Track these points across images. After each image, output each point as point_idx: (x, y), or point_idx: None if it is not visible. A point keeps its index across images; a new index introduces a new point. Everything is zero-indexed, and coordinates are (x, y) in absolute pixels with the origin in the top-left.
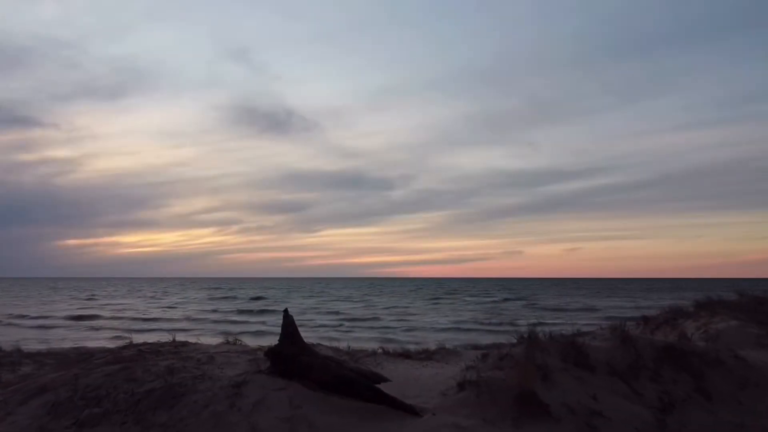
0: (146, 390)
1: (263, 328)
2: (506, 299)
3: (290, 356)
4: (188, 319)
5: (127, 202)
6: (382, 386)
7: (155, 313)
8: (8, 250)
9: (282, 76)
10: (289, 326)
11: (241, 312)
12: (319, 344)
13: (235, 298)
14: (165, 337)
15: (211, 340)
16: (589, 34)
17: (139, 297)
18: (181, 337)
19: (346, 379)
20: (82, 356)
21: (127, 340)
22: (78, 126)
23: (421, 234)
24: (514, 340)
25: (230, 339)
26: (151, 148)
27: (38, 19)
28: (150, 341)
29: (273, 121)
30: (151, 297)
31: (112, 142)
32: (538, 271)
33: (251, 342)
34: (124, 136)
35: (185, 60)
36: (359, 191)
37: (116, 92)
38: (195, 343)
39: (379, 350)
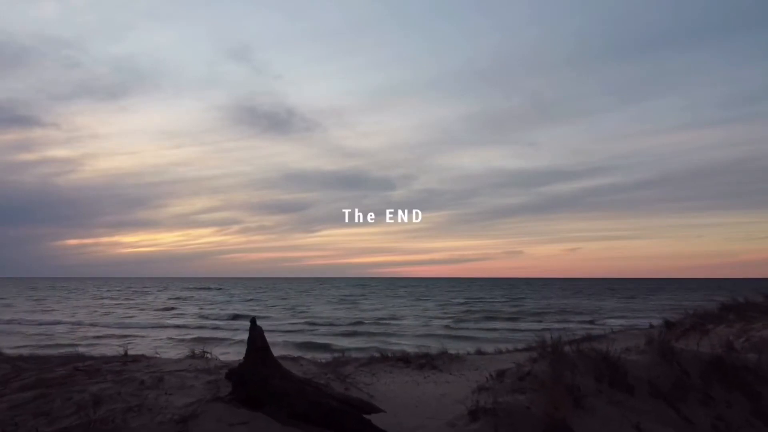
0: (55, 430)
1: (243, 336)
2: (506, 300)
3: (257, 379)
4: (161, 324)
5: (127, 201)
6: (375, 417)
7: (126, 317)
8: (8, 249)
9: (283, 76)
10: (256, 340)
11: (222, 317)
12: (300, 357)
13: (222, 300)
14: (132, 345)
15: (175, 351)
16: (590, 34)
17: (118, 298)
18: (142, 347)
19: (327, 409)
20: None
21: (78, 351)
22: (78, 126)
23: (421, 234)
24: (532, 350)
25: (197, 351)
26: (152, 147)
27: (38, 18)
28: (103, 353)
29: (274, 120)
30: (132, 297)
31: (112, 141)
32: (538, 271)
33: (224, 354)
34: (124, 135)
35: (186, 60)
36: (360, 191)
37: (116, 92)
38: (151, 357)
39: (376, 355)
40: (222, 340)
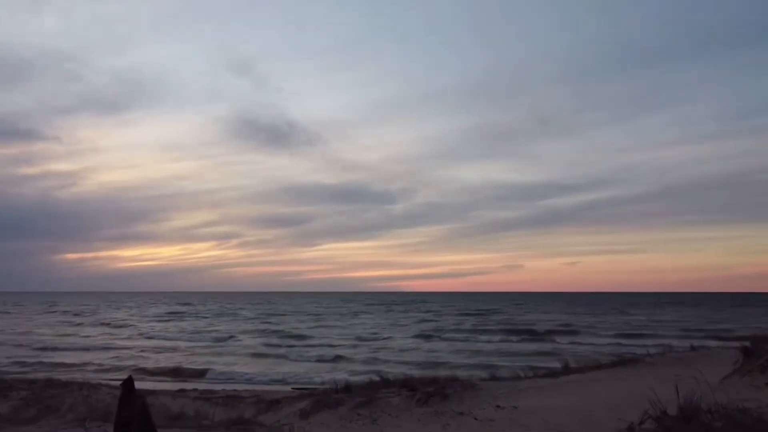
0: None
1: (209, 357)
2: (506, 316)
3: None
4: (106, 346)
5: (128, 215)
6: None
7: (72, 337)
8: (7, 263)
9: (284, 89)
10: (133, 423)
11: (186, 338)
12: (254, 421)
13: (198, 316)
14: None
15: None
16: (585, 49)
17: (77, 314)
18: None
19: None
20: None
21: None
22: (79, 139)
23: (421, 248)
24: (557, 376)
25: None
26: (152, 161)
27: (40, 31)
28: None
29: (274, 134)
30: (100, 313)
31: (113, 155)
32: (538, 285)
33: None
34: (125, 149)
35: (187, 73)
36: (360, 205)
37: (118, 105)
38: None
39: (376, 379)
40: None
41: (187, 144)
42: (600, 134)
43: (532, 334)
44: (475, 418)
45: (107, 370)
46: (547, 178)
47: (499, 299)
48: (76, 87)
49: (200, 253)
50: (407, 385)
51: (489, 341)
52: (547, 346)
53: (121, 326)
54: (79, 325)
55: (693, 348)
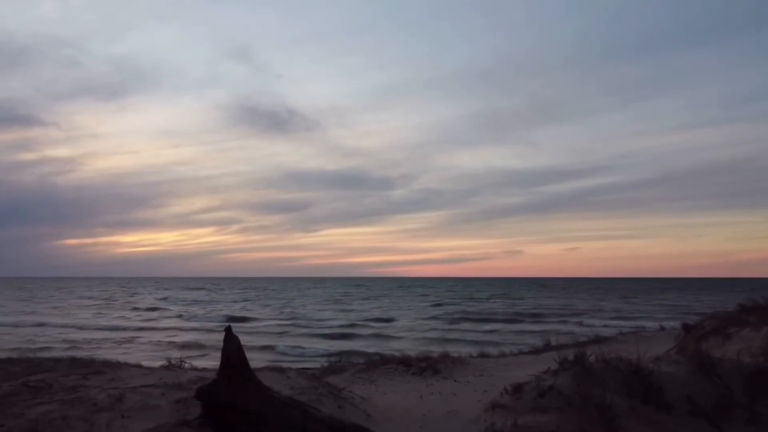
0: None
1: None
2: (505, 300)
3: (231, 402)
4: (148, 327)
5: (127, 201)
6: None
7: (110, 319)
8: (7, 249)
9: (284, 75)
10: (231, 354)
11: (215, 318)
12: (287, 368)
13: (215, 300)
14: (103, 351)
15: (151, 357)
16: (590, 34)
17: (104, 299)
18: (117, 353)
19: None
20: None
21: (38, 357)
22: (78, 125)
23: (421, 234)
24: (538, 353)
25: (174, 359)
26: (151, 147)
27: (39, 17)
28: (72, 356)
29: (274, 120)
30: (123, 298)
31: (112, 141)
32: (538, 270)
33: (204, 363)
34: (124, 135)
35: (186, 59)
36: (360, 191)
37: (117, 91)
38: (119, 367)
39: (376, 357)
40: (203, 346)
41: (186, 130)
42: (603, 120)
43: (531, 317)
44: (455, 381)
45: (176, 346)
46: (548, 165)
47: (499, 284)
48: (75, 73)
49: (200, 238)
50: (403, 361)
51: (489, 323)
52: (542, 328)
53: (154, 309)
54: (118, 309)
55: (662, 328)
